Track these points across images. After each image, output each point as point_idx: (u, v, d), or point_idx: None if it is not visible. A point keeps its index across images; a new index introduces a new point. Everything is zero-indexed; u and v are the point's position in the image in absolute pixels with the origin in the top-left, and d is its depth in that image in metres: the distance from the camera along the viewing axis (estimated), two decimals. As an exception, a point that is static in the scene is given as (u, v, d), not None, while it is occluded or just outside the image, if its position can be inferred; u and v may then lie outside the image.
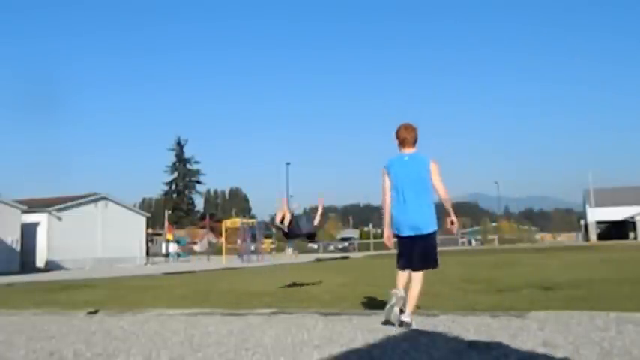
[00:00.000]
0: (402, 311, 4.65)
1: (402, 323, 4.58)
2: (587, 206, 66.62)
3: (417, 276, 4.83)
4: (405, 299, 4.68)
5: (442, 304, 6.57)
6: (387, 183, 4.94)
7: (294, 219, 8.83)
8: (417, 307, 4.88)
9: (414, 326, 4.59)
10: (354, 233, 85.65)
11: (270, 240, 50.00)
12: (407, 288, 4.80)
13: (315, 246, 66.32)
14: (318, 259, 30.35)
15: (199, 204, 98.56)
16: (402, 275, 4.88)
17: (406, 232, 4.85)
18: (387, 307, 4.67)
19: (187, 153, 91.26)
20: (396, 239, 5.02)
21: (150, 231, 48.08)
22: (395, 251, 5.08)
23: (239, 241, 36.36)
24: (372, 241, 62.70)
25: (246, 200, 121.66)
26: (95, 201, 33.22)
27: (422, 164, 4.87)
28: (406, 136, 4.96)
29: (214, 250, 51.47)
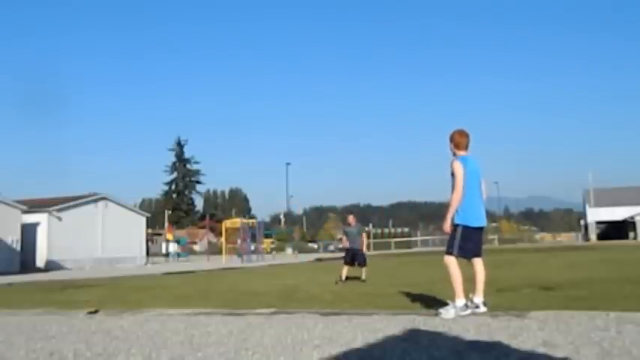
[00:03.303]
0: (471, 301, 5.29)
1: (485, 304, 5.32)
2: (587, 206, 66.65)
3: (482, 261, 5.50)
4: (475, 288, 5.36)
5: (442, 304, 6.57)
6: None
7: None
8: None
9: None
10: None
11: (270, 240, 50.04)
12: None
13: (315, 246, 66.43)
14: (319, 259, 30.36)
15: (199, 204, 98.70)
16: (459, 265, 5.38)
17: (483, 223, 5.46)
18: (464, 314, 5.19)
19: (187, 153, 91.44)
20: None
21: (150, 231, 48.10)
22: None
23: (239, 241, 36.38)
24: (372, 241, 62.67)
25: (246, 200, 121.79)
26: (95, 201, 33.21)
27: (479, 168, 5.54)
28: (468, 141, 5.55)
29: (214, 250, 51.47)
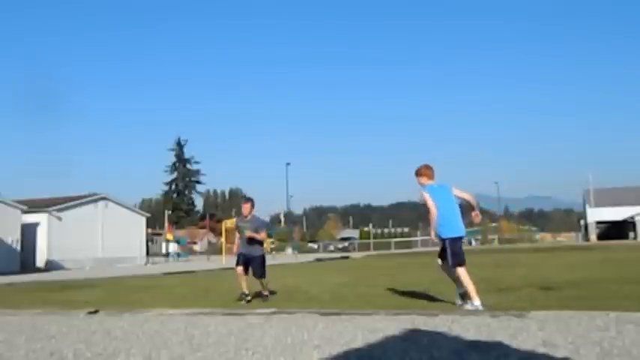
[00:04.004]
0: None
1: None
2: (587, 206, 66.63)
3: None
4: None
5: (442, 304, 6.57)
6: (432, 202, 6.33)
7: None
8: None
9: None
10: (354, 233, 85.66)
11: (270, 240, 49.94)
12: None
13: (315, 246, 66.42)
14: (318, 259, 30.36)
15: (199, 204, 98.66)
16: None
17: (461, 233, 6.32)
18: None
19: (187, 153, 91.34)
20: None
21: (150, 231, 48.07)
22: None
23: (239, 241, 36.33)
24: (372, 241, 62.70)
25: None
26: (95, 201, 33.20)
27: (448, 188, 6.44)
28: (431, 173, 6.54)
29: (214, 250, 51.45)
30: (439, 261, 6.44)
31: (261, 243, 8.29)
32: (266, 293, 8.37)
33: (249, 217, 8.41)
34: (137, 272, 21.17)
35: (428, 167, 6.59)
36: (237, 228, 8.50)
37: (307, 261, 28.15)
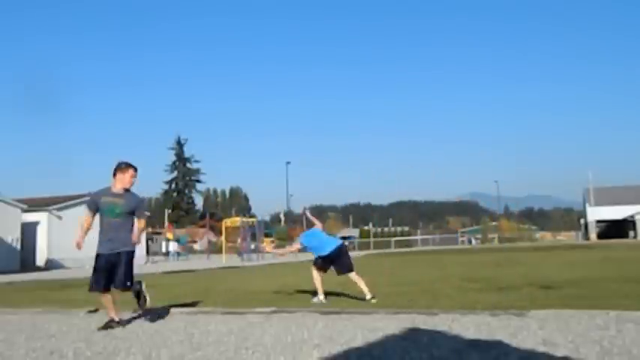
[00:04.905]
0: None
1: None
2: (587, 205, 66.59)
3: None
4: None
5: (442, 303, 6.57)
6: None
7: None
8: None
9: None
10: (354, 232, 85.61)
11: (270, 239, 49.99)
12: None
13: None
14: (318, 258, 30.31)
15: (199, 203, 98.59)
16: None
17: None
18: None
19: (187, 152, 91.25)
20: None
21: (150, 230, 48.02)
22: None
23: (239, 240, 36.35)
24: (372, 240, 62.62)
25: (246, 199, 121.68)
26: (95, 200, 33.13)
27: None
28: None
29: (214, 249, 51.46)
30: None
31: (131, 231, 5.57)
32: (146, 296, 5.82)
33: (122, 191, 5.57)
34: (137, 271, 21.09)
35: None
36: (97, 206, 5.51)
37: (307, 260, 28.14)
